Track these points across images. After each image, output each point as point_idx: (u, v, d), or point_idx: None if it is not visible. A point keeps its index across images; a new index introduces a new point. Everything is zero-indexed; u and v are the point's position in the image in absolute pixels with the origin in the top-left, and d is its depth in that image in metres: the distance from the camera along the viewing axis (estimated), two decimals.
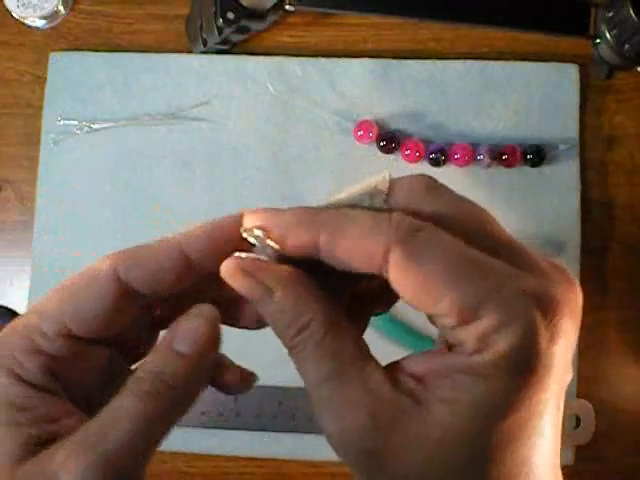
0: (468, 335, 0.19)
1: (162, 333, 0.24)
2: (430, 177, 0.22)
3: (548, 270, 0.21)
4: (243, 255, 0.22)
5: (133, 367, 0.24)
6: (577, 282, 0.22)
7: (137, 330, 0.25)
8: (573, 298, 0.21)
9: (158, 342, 0.23)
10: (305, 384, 0.21)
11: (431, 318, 0.21)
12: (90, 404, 0.22)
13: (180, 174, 0.50)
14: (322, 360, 0.20)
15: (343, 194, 0.23)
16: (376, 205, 0.22)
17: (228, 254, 0.23)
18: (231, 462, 0.48)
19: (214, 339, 0.22)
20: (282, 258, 0.23)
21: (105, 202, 0.50)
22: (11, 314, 0.50)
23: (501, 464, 0.19)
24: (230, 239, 0.24)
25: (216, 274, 0.23)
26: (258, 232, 0.23)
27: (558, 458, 0.21)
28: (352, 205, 0.22)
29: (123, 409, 0.21)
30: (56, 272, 0.49)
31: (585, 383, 0.47)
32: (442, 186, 0.22)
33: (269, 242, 0.23)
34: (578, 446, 0.46)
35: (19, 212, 0.51)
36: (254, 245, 0.23)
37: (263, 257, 0.23)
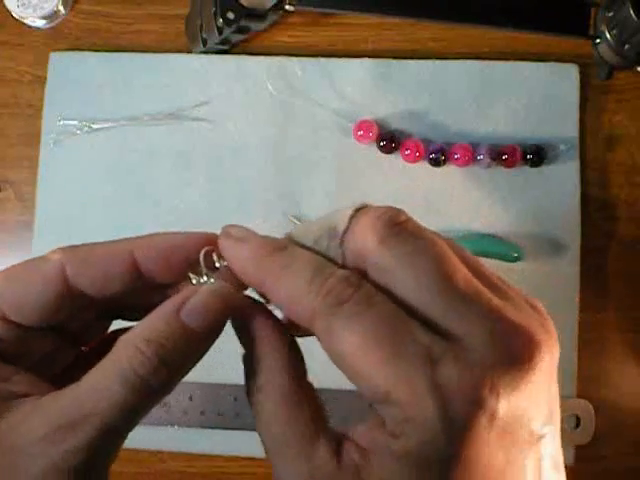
0: (387, 415, 0.19)
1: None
2: (395, 213, 0.21)
3: (506, 325, 0.19)
4: None
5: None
6: (550, 331, 0.20)
7: (81, 319, 0.24)
8: (518, 372, 0.19)
9: (162, 307, 0.21)
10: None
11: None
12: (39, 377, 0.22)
13: (180, 174, 0.50)
14: (275, 424, 0.20)
15: (314, 222, 0.22)
16: (331, 249, 0.21)
17: (179, 269, 0.23)
18: (231, 462, 0.48)
19: (224, 319, 0.22)
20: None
21: (105, 202, 0.50)
22: None
23: None
24: (186, 256, 0.23)
25: (162, 285, 0.23)
26: (217, 261, 0.23)
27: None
28: (311, 244, 0.22)
29: (108, 391, 0.20)
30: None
31: (585, 383, 0.47)
32: (403, 231, 0.20)
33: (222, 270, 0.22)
34: (578, 446, 0.46)
35: (19, 212, 0.51)
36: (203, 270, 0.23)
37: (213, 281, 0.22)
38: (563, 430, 0.46)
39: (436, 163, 0.48)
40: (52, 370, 0.24)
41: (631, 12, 0.44)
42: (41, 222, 0.50)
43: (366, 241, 0.20)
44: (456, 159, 0.48)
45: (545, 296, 0.48)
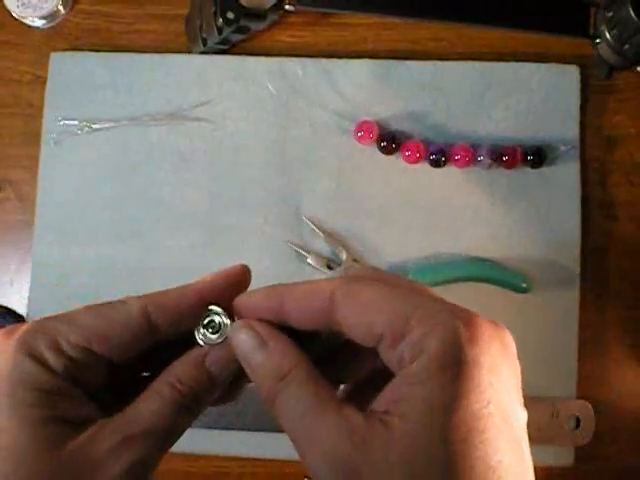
0: (404, 349, 0.22)
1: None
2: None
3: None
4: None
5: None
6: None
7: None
8: (499, 331, 0.23)
9: (190, 354, 0.26)
10: (284, 423, 0.23)
11: (380, 355, 0.23)
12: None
13: (180, 174, 0.50)
14: (303, 397, 0.23)
15: None
16: None
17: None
18: (231, 462, 0.48)
19: (237, 366, 0.26)
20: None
21: (105, 202, 0.50)
22: (11, 314, 0.50)
23: (463, 459, 0.21)
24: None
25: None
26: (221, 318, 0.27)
27: (523, 451, 0.22)
28: None
29: (159, 414, 0.25)
30: (56, 272, 0.49)
31: (585, 383, 0.47)
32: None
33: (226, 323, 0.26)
34: (578, 447, 0.46)
35: (19, 212, 0.51)
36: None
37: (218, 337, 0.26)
38: (563, 430, 0.46)
39: (437, 164, 0.48)
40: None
41: (631, 12, 0.44)
42: (41, 221, 0.49)
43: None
44: (456, 160, 0.48)
45: (546, 297, 0.48)
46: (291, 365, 0.24)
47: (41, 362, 0.24)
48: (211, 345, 0.26)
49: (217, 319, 0.26)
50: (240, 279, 0.27)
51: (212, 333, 0.26)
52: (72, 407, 0.24)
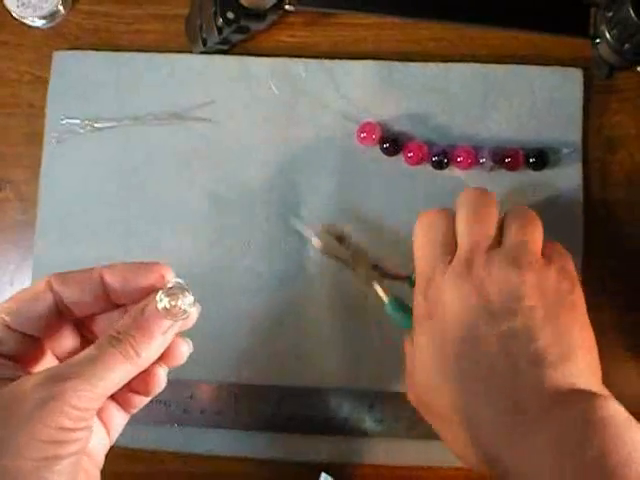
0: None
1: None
2: None
3: None
4: None
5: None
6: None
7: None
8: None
9: (131, 310, 0.30)
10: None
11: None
12: None
13: (183, 174, 0.50)
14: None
15: None
16: None
17: (143, 293, 0.31)
18: (231, 462, 0.48)
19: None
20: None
21: (108, 201, 0.50)
22: None
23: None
24: (149, 285, 0.31)
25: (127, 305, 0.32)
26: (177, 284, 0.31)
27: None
28: None
29: (90, 356, 0.28)
30: (57, 272, 0.49)
31: None
32: None
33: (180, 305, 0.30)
34: None
35: (20, 212, 0.51)
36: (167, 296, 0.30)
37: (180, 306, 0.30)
38: None
39: (439, 166, 0.48)
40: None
41: (631, 12, 0.44)
42: (43, 221, 0.49)
43: None
44: (459, 162, 0.48)
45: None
46: None
47: None
48: (169, 313, 0.30)
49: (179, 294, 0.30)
50: (148, 276, 0.31)
51: (171, 302, 0.30)
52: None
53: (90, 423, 0.27)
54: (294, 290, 0.48)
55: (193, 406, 0.47)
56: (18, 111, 0.51)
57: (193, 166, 0.50)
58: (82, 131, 0.50)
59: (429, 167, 0.48)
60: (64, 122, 0.50)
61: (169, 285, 0.30)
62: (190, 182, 0.50)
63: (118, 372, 0.28)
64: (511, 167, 0.48)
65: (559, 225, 0.48)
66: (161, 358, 0.31)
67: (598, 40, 0.48)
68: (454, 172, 0.49)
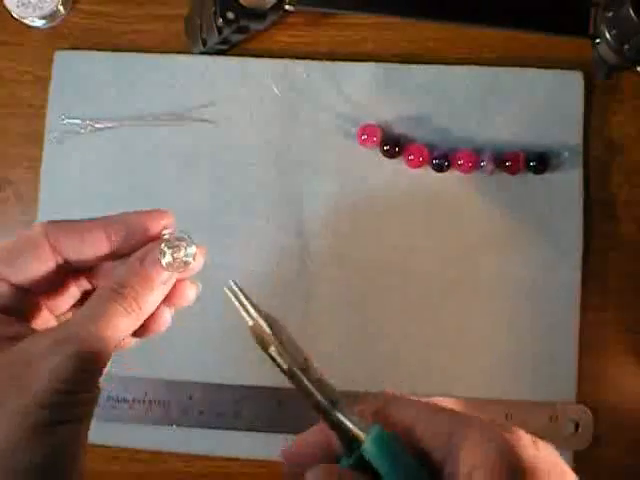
0: (453, 468, 0.22)
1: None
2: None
3: None
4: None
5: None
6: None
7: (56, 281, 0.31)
8: (545, 444, 0.23)
9: (127, 261, 0.29)
10: None
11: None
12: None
13: (183, 175, 0.50)
14: None
15: None
16: None
17: (142, 244, 0.29)
18: (231, 462, 0.48)
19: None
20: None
21: (108, 202, 0.50)
22: None
23: None
24: (149, 235, 0.29)
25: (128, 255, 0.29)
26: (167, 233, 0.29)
27: None
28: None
29: (96, 311, 0.27)
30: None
31: (585, 385, 0.47)
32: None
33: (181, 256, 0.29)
34: (576, 450, 0.46)
35: (20, 212, 0.51)
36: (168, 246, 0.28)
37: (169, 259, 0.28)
38: (562, 435, 0.46)
39: (439, 169, 0.48)
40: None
41: (631, 12, 0.43)
42: (43, 220, 0.49)
43: None
44: (459, 165, 0.48)
45: (547, 301, 0.48)
46: None
47: None
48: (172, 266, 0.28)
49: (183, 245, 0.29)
50: (151, 225, 0.29)
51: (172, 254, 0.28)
52: (1, 326, 0.27)
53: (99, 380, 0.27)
54: (294, 291, 0.48)
55: (192, 407, 0.47)
56: (18, 111, 0.51)
57: (193, 166, 0.50)
58: (82, 131, 0.50)
59: (430, 170, 0.48)
60: (64, 122, 0.50)
61: (169, 235, 0.29)
62: (190, 182, 0.50)
63: (123, 328, 0.27)
64: (512, 171, 0.48)
65: (559, 228, 0.48)
66: (166, 299, 0.30)
67: (598, 40, 0.48)
68: (455, 175, 0.49)
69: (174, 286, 0.30)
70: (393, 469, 0.21)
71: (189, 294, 0.31)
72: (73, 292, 0.31)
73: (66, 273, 0.30)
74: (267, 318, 0.25)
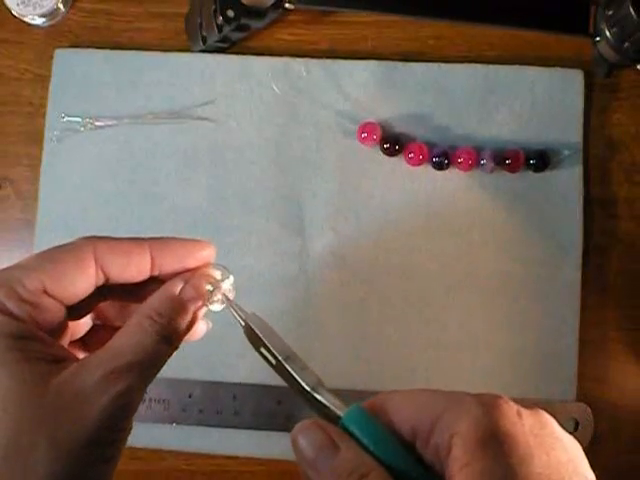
0: (437, 438, 0.22)
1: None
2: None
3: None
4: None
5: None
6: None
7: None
8: (534, 409, 0.23)
9: (165, 289, 0.28)
10: None
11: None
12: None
13: (183, 173, 0.50)
14: None
15: None
16: None
17: (180, 272, 0.28)
18: (231, 460, 0.48)
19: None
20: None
21: (108, 200, 0.50)
22: None
23: None
24: (190, 266, 0.29)
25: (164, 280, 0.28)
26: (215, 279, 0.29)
27: None
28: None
29: (141, 345, 0.26)
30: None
31: (585, 383, 0.47)
32: None
33: (223, 291, 0.28)
34: None
35: (20, 210, 0.51)
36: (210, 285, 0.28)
37: (216, 300, 0.28)
38: None
39: (439, 167, 0.48)
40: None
41: (631, 10, 0.43)
42: (43, 219, 0.50)
43: None
44: (459, 163, 0.48)
45: (547, 300, 0.48)
46: (369, 468, 0.22)
47: (4, 312, 0.25)
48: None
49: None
50: (198, 256, 0.29)
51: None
52: (45, 348, 0.25)
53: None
54: (294, 290, 0.48)
55: (192, 405, 0.47)
56: (18, 109, 0.52)
57: (193, 165, 0.50)
58: (82, 129, 0.50)
59: (430, 168, 0.48)
60: (64, 120, 0.50)
61: (213, 269, 0.29)
62: (190, 181, 0.50)
63: (163, 361, 0.27)
64: (512, 169, 0.48)
65: (559, 226, 0.48)
66: None
67: (598, 38, 0.47)
68: (455, 173, 0.49)
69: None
70: (368, 433, 0.24)
71: (200, 330, 0.30)
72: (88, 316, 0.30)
73: (99, 295, 0.28)
74: (253, 318, 0.28)
